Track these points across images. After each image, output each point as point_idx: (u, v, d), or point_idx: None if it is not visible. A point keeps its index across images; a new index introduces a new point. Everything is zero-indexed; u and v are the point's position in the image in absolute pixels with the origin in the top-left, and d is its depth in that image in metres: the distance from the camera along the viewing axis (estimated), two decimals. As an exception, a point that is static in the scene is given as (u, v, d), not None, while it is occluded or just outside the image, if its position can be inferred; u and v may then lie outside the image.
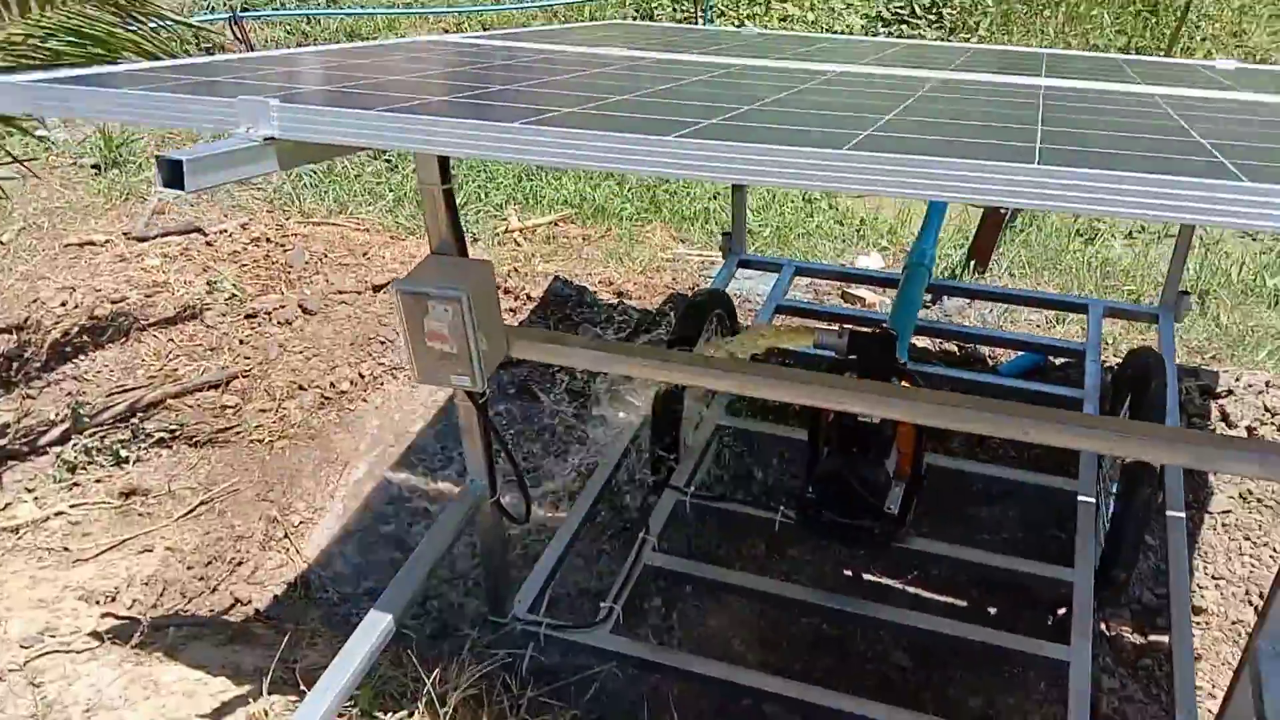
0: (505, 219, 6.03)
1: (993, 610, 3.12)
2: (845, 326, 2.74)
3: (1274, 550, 3.11)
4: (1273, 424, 3.51)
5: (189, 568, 3.18)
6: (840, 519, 2.69)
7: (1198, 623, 3.00)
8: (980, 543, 3.26)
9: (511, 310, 4.31)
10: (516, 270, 4.69)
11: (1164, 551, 3.01)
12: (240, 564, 3.27)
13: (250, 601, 3.20)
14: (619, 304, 4.39)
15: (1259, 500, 3.25)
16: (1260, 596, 2.99)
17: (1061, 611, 3.07)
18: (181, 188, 1.33)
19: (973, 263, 5.60)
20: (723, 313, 3.32)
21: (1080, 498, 2.82)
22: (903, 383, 2.71)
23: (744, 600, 3.01)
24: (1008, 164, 1.10)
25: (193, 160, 1.32)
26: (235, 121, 1.46)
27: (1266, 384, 3.65)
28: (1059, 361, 3.96)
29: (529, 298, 4.39)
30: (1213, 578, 3.08)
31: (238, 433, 3.70)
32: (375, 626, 1.93)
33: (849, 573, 3.21)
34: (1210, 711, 2.81)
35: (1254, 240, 6.64)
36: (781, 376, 2.01)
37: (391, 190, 6.14)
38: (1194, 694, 2.31)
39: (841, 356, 2.74)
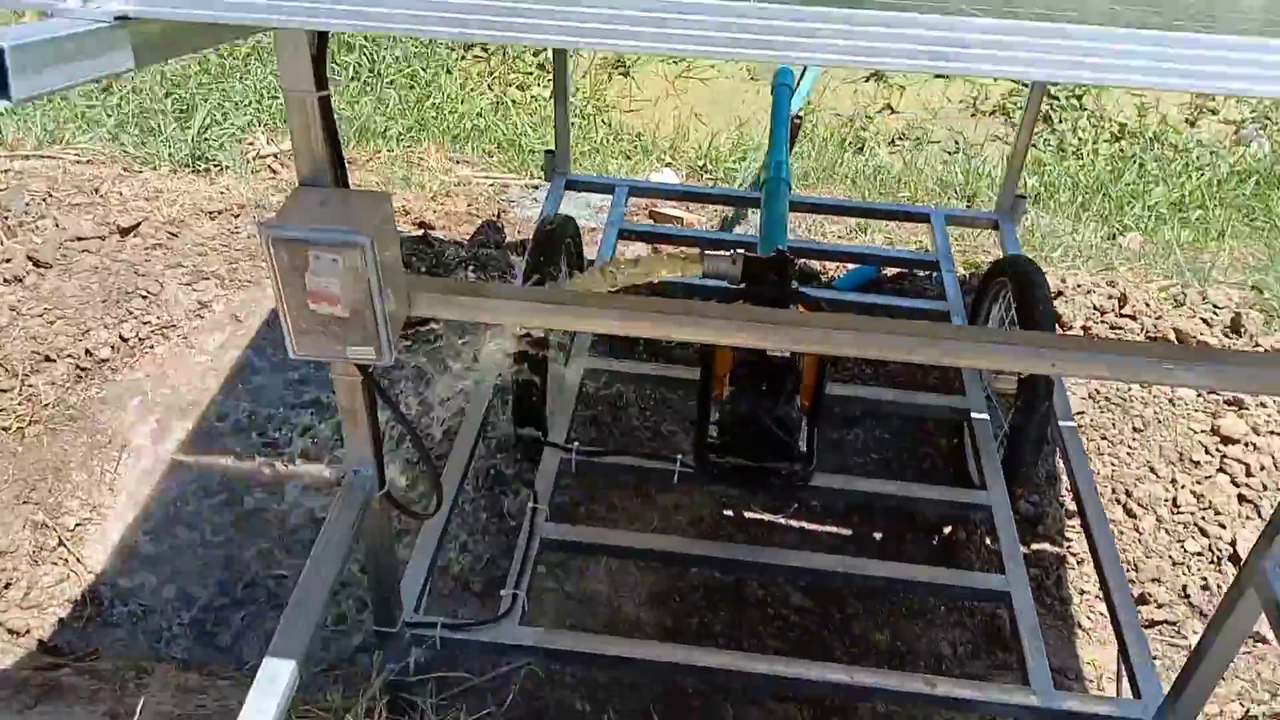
0: (253, 143, 5.30)
1: (877, 537, 3.01)
2: (738, 252, 2.46)
3: (1129, 447, 3.16)
4: (1104, 323, 3.57)
5: (-63, 601, 2.51)
6: (750, 463, 2.44)
7: (1072, 526, 3.01)
8: (857, 469, 3.12)
9: (299, 249, 3.72)
10: (293, 203, 4.06)
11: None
12: (8, 586, 2.62)
13: (28, 632, 2.58)
14: (424, 235, 3.90)
15: (1106, 399, 3.29)
16: (1127, 494, 3.03)
17: (947, 531, 3.00)
18: (6, 95, 0.83)
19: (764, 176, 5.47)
20: (571, 241, 2.95)
21: (974, 415, 2.72)
22: (800, 308, 2.48)
23: (636, 560, 2.72)
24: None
25: (21, 47, 0.82)
26: (60, -7, 0.95)
27: (1092, 284, 3.72)
28: (891, 273, 3.88)
29: (317, 234, 3.80)
30: (1078, 480, 3.09)
31: (-28, 422, 2.97)
32: (277, 680, 1.48)
33: (730, 514, 2.99)
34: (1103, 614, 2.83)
35: (1005, 144, 6.94)
36: (731, 316, 1.69)
37: (110, 114, 5.23)
38: (1131, 603, 2.25)
39: (735, 285, 2.46)
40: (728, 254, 2.46)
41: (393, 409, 1.68)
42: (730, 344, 2.21)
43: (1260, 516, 2.98)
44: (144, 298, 3.37)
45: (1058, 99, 7.05)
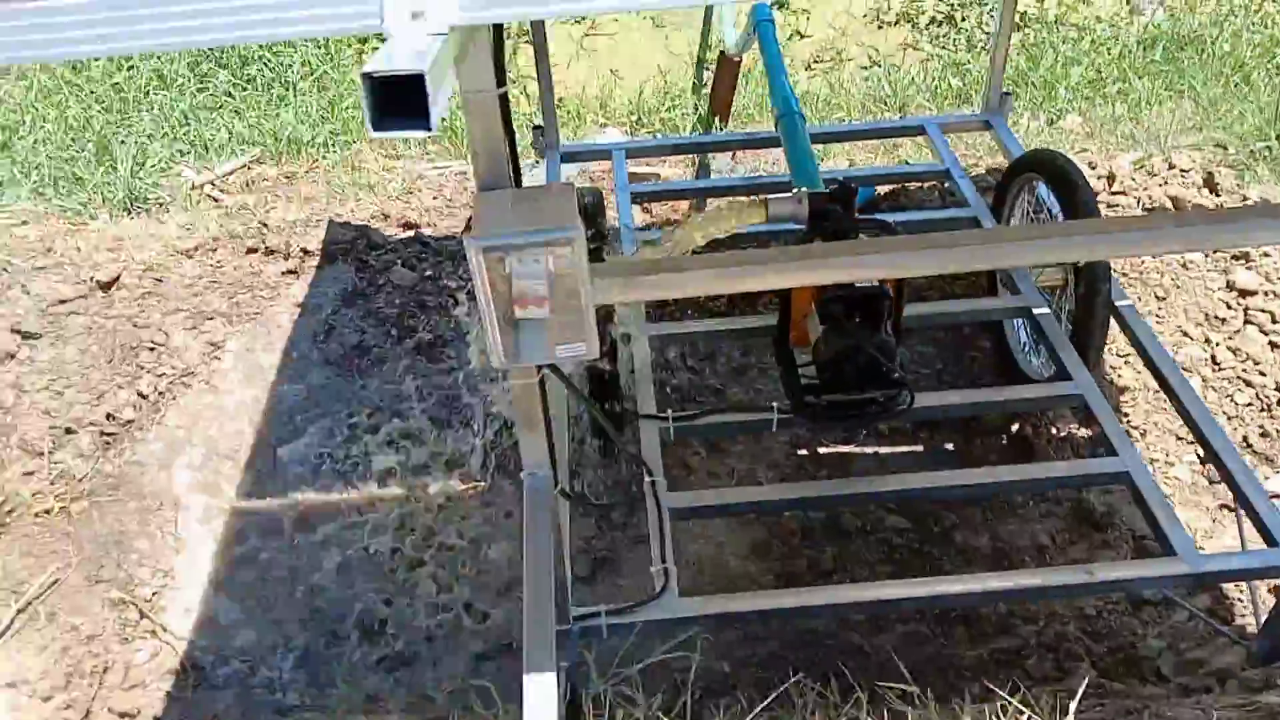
0: (180, 175, 5.05)
1: (949, 447, 3.07)
2: (800, 191, 2.45)
3: (1157, 316, 3.28)
4: (1101, 202, 3.68)
5: (46, 698, 2.37)
6: (850, 397, 2.45)
7: (1127, 401, 3.12)
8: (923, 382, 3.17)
9: (294, 273, 3.58)
10: (266, 225, 3.90)
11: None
12: (106, 670, 2.50)
13: (139, 713, 2.46)
14: (415, 236, 3.79)
15: (1124, 275, 3.40)
16: (1170, 361, 3.14)
17: (1015, 429, 3.08)
18: (425, 124, 0.77)
19: (715, 117, 5.46)
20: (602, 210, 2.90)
21: (1037, 310, 2.77)
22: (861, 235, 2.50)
23: (733, 516, 2.73)
24: None
25: (434, 68, 0.77)
26: (375, 10, 0.88)
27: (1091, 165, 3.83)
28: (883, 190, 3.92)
29: (305, 252, 3.67)
30: (1119, 355, 3.20)
31: (11, 511, 2.79)
32: (546, 697, 1.44)
33: (804, 453, 3.01)
34: (1178, 478, 2.94)
35: (915, 50, 7.03)
36: (881, 250, 1.69)
37: (24, 172, 4.92)
38: (1240, 458, 2.35)
39: (803, 224, 2.46)
40: (790, 195, 2.45)
41: (585, 401, 1.64)
42: (876, 277, 2.21)
43: (1293, 359, 3.13)
44: (151, 350, 3.21)
45: (955, -1, 7.19)
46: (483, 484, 2.97)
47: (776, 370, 3.33)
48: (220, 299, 3.42)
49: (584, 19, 6.74)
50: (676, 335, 2.94)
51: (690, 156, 4.58)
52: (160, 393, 3.14)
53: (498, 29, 1.32)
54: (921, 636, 2.65)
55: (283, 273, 3.57)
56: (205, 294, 3.44)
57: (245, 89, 6.10)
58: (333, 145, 5.44)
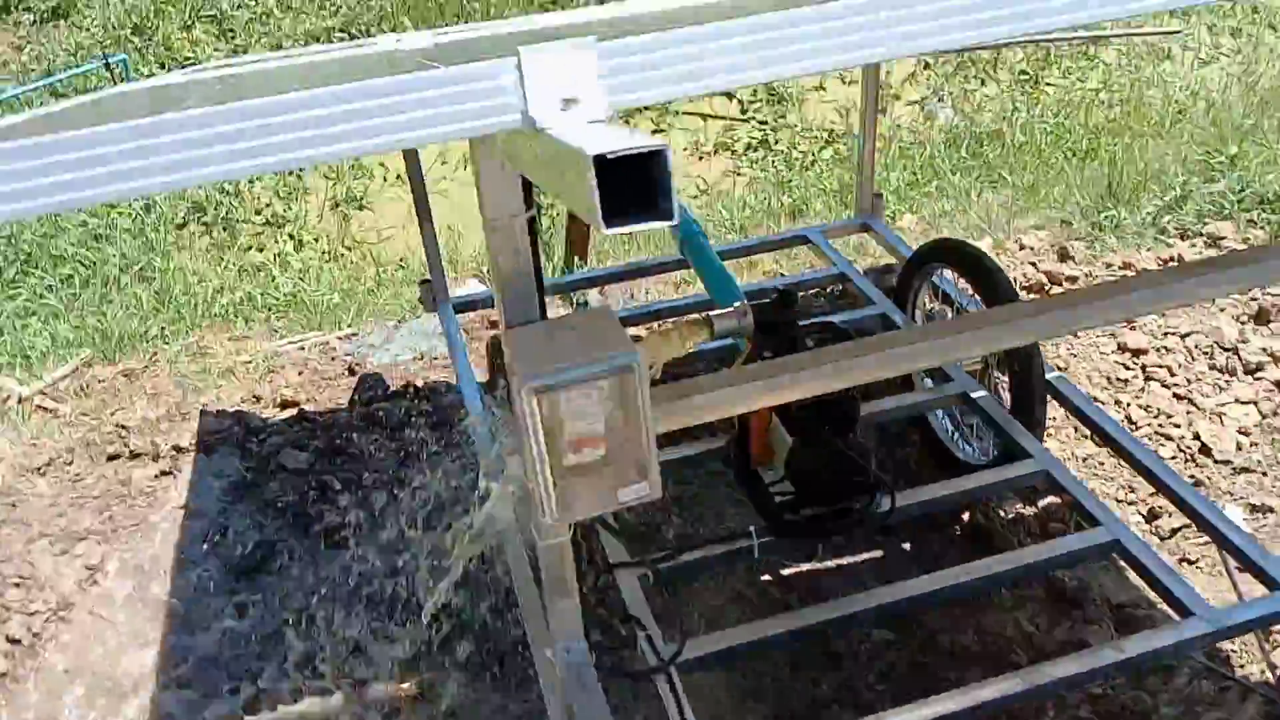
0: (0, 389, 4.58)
1: (907, 547, 2.98)
2: (743, 304, 2.37)
3: (1065, 386, 3.35)
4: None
5: None
6: (830, 508, 2.34)
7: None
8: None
9: (169, 474, 3.22)
10: (124, 428, 3.52)
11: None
12: None
13: None
14: (299, 414, 3.49)
15: (1023, 351, 3.47)
16: (1084, 435, 3.19)
17: (966, 517, 3.03)
18: (666, 213, 0.62)
19: (575, 257, 5.44)
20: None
21: (975, 394, 2.76)
22: (808, 342, 2.44)
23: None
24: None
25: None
26: (516, 102, 0.73)
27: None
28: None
29: (178, 450, 3.31)
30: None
31: None
32: None
33: (769, 578, 2.86)
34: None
35: (738, 176, 7.31)
36: (878, 347, 1.61)
37: None
38: (1218, 511, 2.35)
39: (750, 336, 2.37)
40: (732, 310, 2.37)
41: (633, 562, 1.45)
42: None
43: (1198, 408, 3.24)
44: (18, 586, 2.77)
45: (767, 122, 7.53)
46: (427, 680, 2.67)
47: (710, 498, 3.23)
48: (89, 515, 3.02)
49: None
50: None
51: (566, 295, 4.50)
52: (35, 634, 2.70)
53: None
54: (935, 752, 2.49)
55: (156, 475, 3.20)
56: (70, 512, 3.04)
57: (61, 290, 5.68)
58: (170, 335, 5.09)
